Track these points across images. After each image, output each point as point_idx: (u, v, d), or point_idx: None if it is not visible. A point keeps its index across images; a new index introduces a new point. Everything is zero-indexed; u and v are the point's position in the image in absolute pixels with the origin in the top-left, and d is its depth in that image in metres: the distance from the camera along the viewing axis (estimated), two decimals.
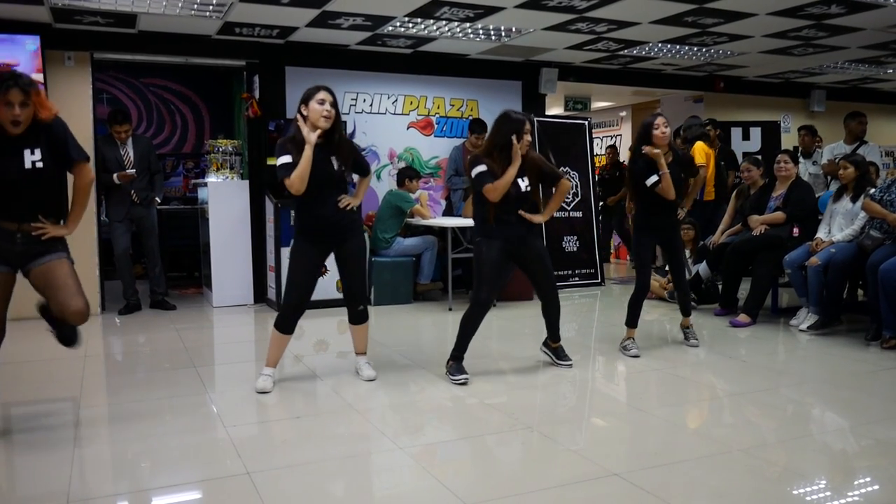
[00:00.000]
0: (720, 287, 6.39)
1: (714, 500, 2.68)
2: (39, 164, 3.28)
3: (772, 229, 5.94)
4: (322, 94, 3.91)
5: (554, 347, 4.63)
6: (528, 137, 4.25)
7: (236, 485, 2.81)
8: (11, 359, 4.86)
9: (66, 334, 3.63)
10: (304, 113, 3.92)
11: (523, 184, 4.25)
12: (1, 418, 3.85)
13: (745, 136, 9.32)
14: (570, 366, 4.54)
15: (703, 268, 6.55)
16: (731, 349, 5.14)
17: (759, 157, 6.97)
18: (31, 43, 5.97)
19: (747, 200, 6.45)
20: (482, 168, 4.19)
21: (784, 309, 6.47)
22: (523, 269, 4.56)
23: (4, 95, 3.11)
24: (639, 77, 8.92)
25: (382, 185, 7.54)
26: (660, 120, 4.78)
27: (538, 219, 4.33)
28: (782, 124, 9.66)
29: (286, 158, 3.88)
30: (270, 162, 3.94)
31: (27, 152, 3.24)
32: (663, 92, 9.61)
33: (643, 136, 4.79)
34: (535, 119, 7.96)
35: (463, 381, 4.17)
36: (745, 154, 8.35)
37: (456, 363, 4.28)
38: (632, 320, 4.95)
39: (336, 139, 3.99)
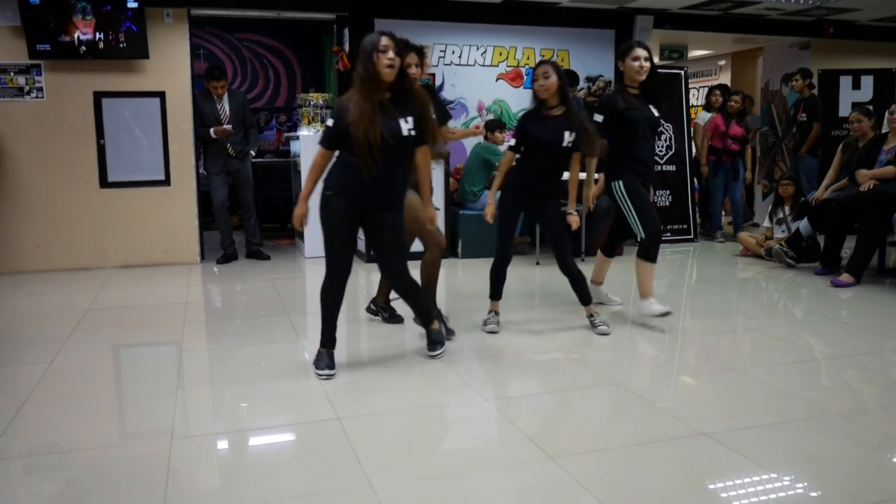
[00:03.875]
0: (822, 245, 6.11)
1: (809, 465, 2.60)
2: None
3: (882, 185, 5.60)
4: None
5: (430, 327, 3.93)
6: (389, 56, 3.23)
7: (327, 429, 2.92)
8: (119, 303, 5.17)
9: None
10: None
11: (406, 126, 3.41)
12: (111, 359, 4.12)
13: (856, 85, 8.74)
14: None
15: (803, 224, 6.26)
16: (831, 310, 4.93)
17: (871, 107, 6.55)
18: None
19: (855, 154, 6.10)
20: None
21: (891, 269, 6.13)
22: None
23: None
24: (740, 23, 8.45)
25: (471, 138, 7.49)
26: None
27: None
28: None
29: None
30: None
31: None
32: (766, 39, 9.10)
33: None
34: None
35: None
36: (854, 104, 7.83)
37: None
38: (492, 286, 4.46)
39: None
